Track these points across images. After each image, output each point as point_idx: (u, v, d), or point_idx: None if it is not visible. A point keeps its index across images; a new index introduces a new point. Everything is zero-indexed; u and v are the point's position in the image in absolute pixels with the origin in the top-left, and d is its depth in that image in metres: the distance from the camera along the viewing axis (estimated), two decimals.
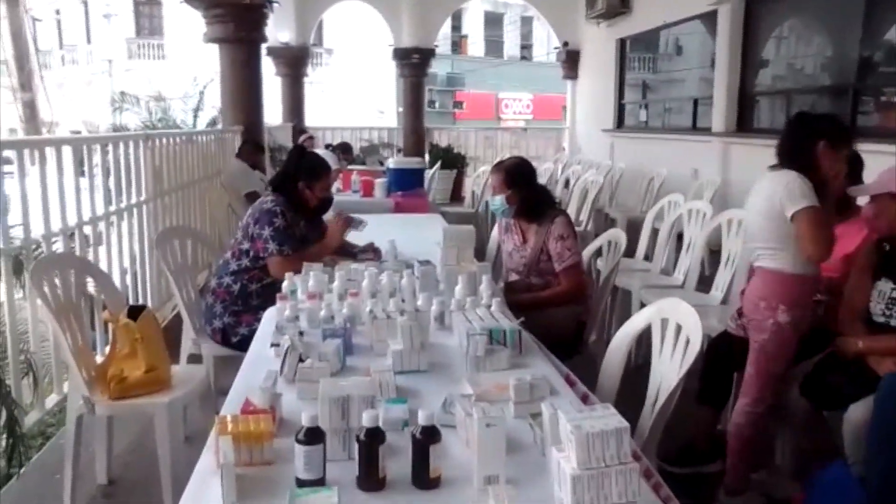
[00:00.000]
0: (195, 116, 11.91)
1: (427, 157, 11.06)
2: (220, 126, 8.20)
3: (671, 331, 2.21)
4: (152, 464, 2.60)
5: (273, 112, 10.67)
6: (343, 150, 8.14)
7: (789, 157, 2.55)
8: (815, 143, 2.51)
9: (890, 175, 2.61)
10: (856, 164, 2.98)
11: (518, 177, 3.27)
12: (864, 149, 4.23)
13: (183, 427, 2.78)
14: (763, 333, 2.60)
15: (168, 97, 12.53)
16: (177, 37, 22.95)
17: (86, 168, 3.83)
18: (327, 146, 7.78)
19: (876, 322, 2.61)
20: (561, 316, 3.12)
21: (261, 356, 2.17)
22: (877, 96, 6.19)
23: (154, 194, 4.65)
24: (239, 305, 3.19)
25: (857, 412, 2.34)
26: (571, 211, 6.85)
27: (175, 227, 4.69)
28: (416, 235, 3.75)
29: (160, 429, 2.54)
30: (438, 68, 24.67)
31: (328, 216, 3.54)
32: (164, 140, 5.08)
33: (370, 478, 1.40)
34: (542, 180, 7.85)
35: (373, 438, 1.39)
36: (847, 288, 2.73)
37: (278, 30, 11.29)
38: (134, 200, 4.36)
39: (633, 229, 5.53)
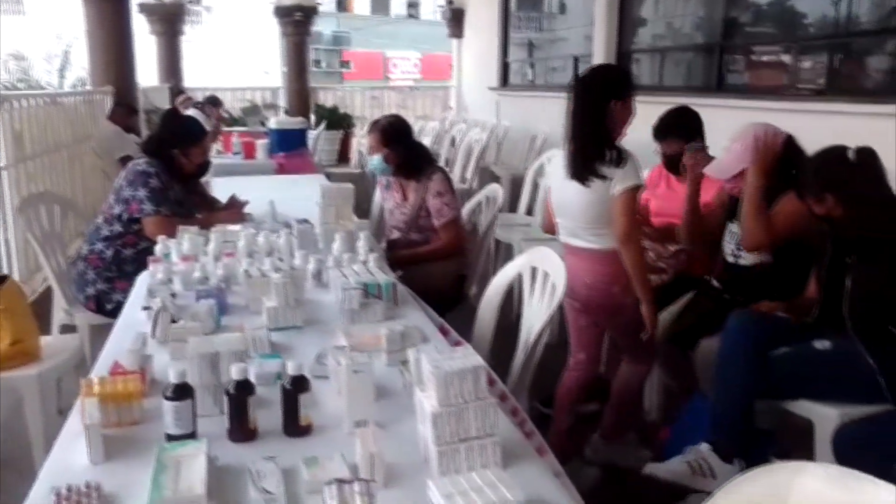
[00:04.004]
0: (61, 77, 11.19)
1: (313, 117, 10.86)
2: (89, 87, 7.75)
3: (539, 279, 2.33)
4: (24, 439, 2.52)
5: (149, 73, 10.17)
6: (212, 103, 7.80)
7: (585, 128, 2.47)
8: (607, 105, 2.45)
9: (741, 153, 2.63)
10: (694, 122, 3.17)
11: (394, 135, 3.30)
12: (731, 104, 4.51)
13: (57, 400, 2.69)
14: (628, 313, 2.56)
15: (29, 56, 11.68)
16: None
17: None
18: (195, 104, 7.45)
19: (727, 262, 2.83)
20: (441, 270, 3.20)
21: (132, 320, 2.13)
22: (742, 54, 6.54)
23: (14, 160, 4.39)
24: (113, 272, 3.10)
25: (708, 345, 2.54)
26: (457, 169, 6.94)
27: (40, 193, 4.44)
28: (298, 196, 3.72)
29: (30, 402, 2.46)
30: (323, 27, 24.12)
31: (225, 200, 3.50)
32: (25, 102, 4.79)
33: (241, 429, 1.42)
34: (428, 139, 7.91)
35: (241, 391, 1.41)
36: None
37: None
38: None
39: (518, 186, 5.69)
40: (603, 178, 2.42)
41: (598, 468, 2.73)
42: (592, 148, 2.45)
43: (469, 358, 1.33)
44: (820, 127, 3.07)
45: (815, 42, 4.73)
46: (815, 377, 2.26)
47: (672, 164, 3.18)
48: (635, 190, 2.43)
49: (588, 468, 2.68)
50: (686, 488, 2.29)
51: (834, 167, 2.28)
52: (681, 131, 3.12)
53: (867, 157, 2.25)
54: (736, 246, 2.77)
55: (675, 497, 2.33)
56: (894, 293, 2.14)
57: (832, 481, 0.99)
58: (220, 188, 4.09)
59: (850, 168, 2.26)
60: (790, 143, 2.65)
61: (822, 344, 2.31)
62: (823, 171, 2.29)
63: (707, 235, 2.91)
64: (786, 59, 5.43)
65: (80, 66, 10.60)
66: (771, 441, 2.39)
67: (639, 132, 2.78)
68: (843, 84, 4.27)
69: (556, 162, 2.67)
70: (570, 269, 2.32)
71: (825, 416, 2.20)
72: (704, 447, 2.31)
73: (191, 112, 5.50)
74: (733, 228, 2.79)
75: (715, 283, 2.88)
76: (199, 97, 9.74)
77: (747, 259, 2.75)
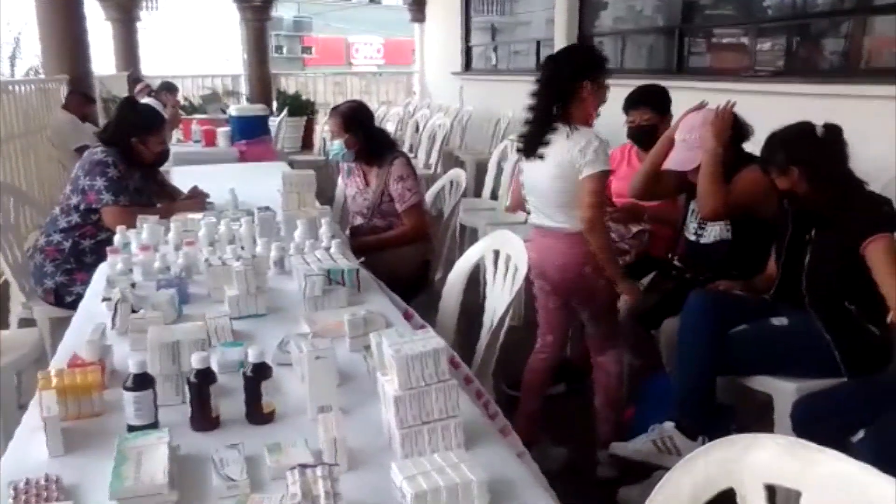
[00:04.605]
0: (12, 65, 10.88)
1: (275, 104, 10.74)
2: (42, 75, 7.57)
3: (502, 261, 2.34)
4: None
5: (106, 60, 9.94)
6: (167, 89, 7.65)
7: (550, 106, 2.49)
8: (579, 85, 2.47)
9: (699, 140, 2.68)
10: (665, 98, 3.21)
11: (355, 120, 3.29)
12: (692, 86, 4.55)
13: (17, 395, 2.64)
14: (601, 294, 2.59)
15: None
16: None
17: None
18: (150, 92, 7.30)
19: (689, 240, 2.88)
20: (405, 255, 3.20)
21: (91, 312, 2.10)
22: (702, 36, 6.61)
23: None
24: (71, 263, 3.05)
25: (671, 325, 2.58)
26: (421, 154, 6.93)
27: None
28: (260, 183, 3.69)
29: None
30: (283, 12, 23.81)
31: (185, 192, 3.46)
32: None
33: (203, 418, 1.41)
34: (391, 125, 7.85)
35: (203, 379, 1.40)
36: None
37: None
38: None
39: (482, 171, 5.70)
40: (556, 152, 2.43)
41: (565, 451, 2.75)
42: (551, 126, 2.46)
43: (429, 340, 1.34)
44: (779, 107, 3.12)
45: (773, 24, 4.80)
46: (774, 353, 2.32)
47: (639, 134, 3.21)
48: (603, 175, 2.44)
49: (554, 449, 2.70)
50: (652, 466, 2.33)
51: (801, 141, 2.31)
52: (652, 103, 3.16)
53: (834, 133, 2.29)
54: (698, 224, 2.82)
55: (640, 475, 2.38)
56: (851, 269, 2.20)
57: (782, 451, 1.02)
58: (180, 177, 4.03)
59: (817, 142, 2.29)
60: (734, 117, 2.72)
61: (779, 321, 2.37)
62: (790, 145, 2.32)
63: (659, 190, 2.94)
64: (745, 41, 5.50)
65: (33, 54, 10.33)
66: (732, 416, 2.45)
67: (601, 115, 2.79)
68: (801, 65, 4.34)
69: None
70: (541, 251, 2.32)
71: (784, 391, 2.25)
72: (668, 425, 2.36)
73: (146, 100, 5.40)
74: (694, 206, 2.83)
75: (677, 262, 2.92)
76: (158, 85, 9.53)
77: (708, 237, 2.80)
